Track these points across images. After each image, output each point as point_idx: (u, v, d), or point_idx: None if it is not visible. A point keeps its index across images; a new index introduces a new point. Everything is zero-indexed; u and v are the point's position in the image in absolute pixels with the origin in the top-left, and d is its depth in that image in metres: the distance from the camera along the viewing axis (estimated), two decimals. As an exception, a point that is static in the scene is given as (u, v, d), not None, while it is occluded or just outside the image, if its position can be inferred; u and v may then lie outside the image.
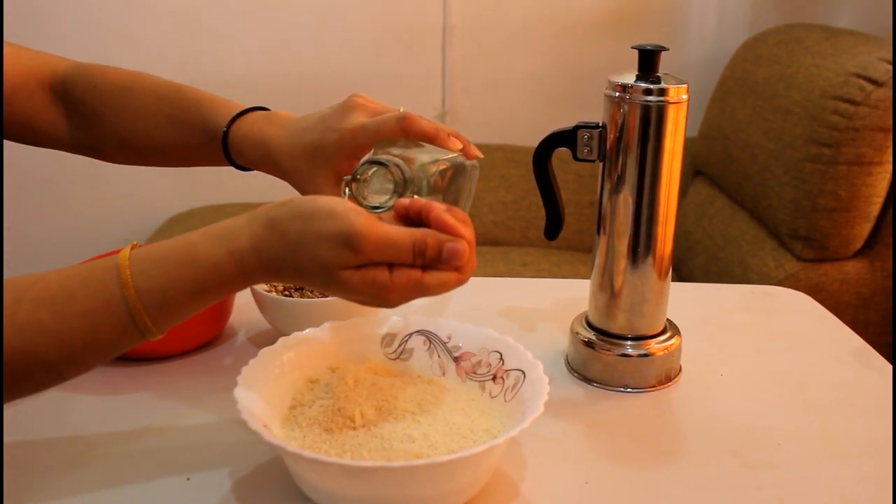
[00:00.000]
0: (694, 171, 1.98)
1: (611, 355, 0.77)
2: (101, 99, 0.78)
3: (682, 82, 0.72)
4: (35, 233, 2.15)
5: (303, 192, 0.71)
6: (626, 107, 0.72)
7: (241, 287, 0.58)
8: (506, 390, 0.66)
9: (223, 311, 0.84)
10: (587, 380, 0.78)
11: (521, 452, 0.67)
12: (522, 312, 0.92)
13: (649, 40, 0.75)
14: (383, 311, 0.74)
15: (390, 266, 0.55)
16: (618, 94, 0.72)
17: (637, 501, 0.62)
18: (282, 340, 0.67)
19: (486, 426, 0.63)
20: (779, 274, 1.54)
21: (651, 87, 0.71)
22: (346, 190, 0.66)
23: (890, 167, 1.45)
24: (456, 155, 0.70)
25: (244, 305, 0.87)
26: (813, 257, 1.52)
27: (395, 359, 0.71)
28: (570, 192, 1.98)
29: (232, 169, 0.77)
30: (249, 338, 0.86)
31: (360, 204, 0.65)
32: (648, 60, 0.73)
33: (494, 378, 0.67)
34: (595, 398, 0.76)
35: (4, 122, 0.78)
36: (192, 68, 2.03)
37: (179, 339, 0.80)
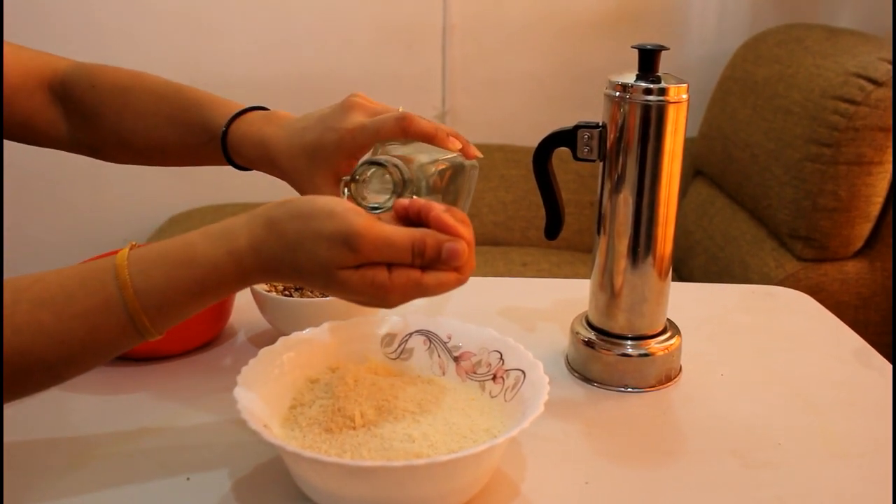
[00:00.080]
0: (694, 171, 1.98)
1: (611, 355, 0.77)
2: (101, 99, 0.78)
3: (683, 82, 0.72)
4: (35, 233, 2.15)
5: (302, 192, 0.71)
6: (626, 106, 0.72)
7: (240, 287, 0.58)
8: (506, 390, 0.66)
9: (223, 311, 0.84)
10: (587, 380, 0.78)
11: (521, 452, 0.67)
12: (522, 312, 0.92)
13: (649, 40, 0.75)
14: (383, 311, 0.74)
15: (389, 266, 0.55)
16: (618, 93, 0.72)
17: (637, 501, 0.62)
18: (282, 340, 0.67)
19: (486, 426, 0.63)
20: (779, 274, 1.54)
21: (651, 86, 0.71)
22: (345, 190, 0.66)
23: (890, 167, 1.45)
24: (455, 155, 0.70)
25: (244, 305, 0.87)
26: (813, 257, 1.52)
27: (395, 358, 0.71)
28: (570, 192, 1.98)
29: (232, 169, 0.77)
30: (249, 338, 0.86)
31: (359, 204, 0.65)
32: (648, 60, 0.73)
33: (494, 378, 0.67)
34: (595, 398, 0.76)
35: (4, 122, 0.78)
36: (192, 68, 2.03)
37: (179, 339, 0.80)
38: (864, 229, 1.50)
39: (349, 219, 0.54)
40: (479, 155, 0.72)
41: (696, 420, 0.73)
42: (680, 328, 0.80)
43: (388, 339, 0.72)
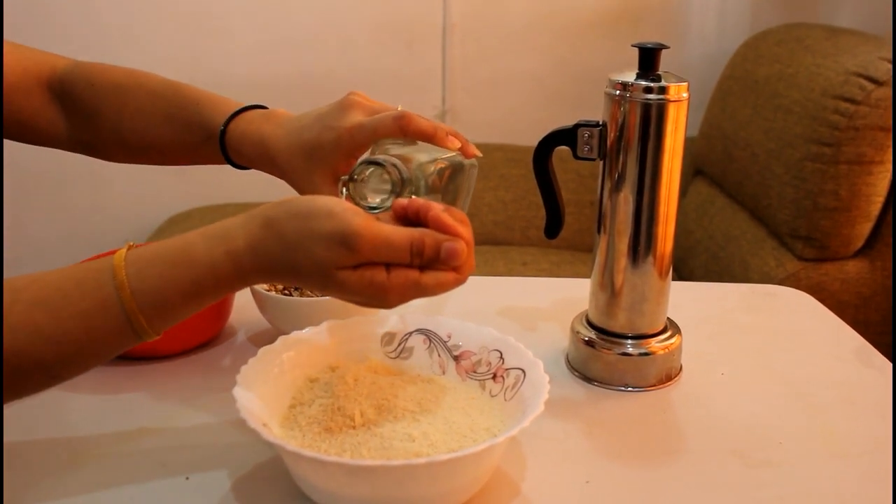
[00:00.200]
0: (694, 170, 1.98)
1: (611, 354, 0.77)
2: (100, 97, 0.78)
3: (683, 80, 0.72)
4: (35, 233, 2.15)
5: (300, 191, 0.71)
6: (626, 105, 0.72)
7: (239, 287, 0.58)
8: (506, 389, 0.65)
9: (222, 310, 0.84)
10: (588, 379, 0.78)
11: (521, 451, 0.67)
12: (522, 311, 0.92)
13: (650, 39, 0.74)
14: (383, 311, 0.74)
15: (388, 266, 0.55)
16: (618, 92, 0.72)
17: (638, 501, 0.62)
18: (281, 339, 0.67)
19: (486, 425, 0.63)
20: (779, 273, 1.54)
21: (651, 85, 0.71)
22: (344, 190, 0.66)
23: (890, 166, 1.45)
24: (454, 154, 0.70)
25: (244, 305, 0.87)
26: (813, 257, 1.52)
27: (394, 358, 0.71)
28: (570, 192, 1.98)
29: (231, 169, 0.76)
30: (249, 337, 0.86)
31: (358, 204, 0.65)
32: (649, 58, 0.72)
33: (494, 377, 0.67)
34: (595, 397, 0.76)
35: (2, 121, 0.78)
36: (193, 67, 2.03)
37: (178, 338, 0.80)
38: (865, 229, 1.50)
39: (348, 218, 0.54)
40: (479, 154, 0.71)
41: (697, 419, 0.73)
42: (680, 327, 0.80)
43: (388, 338, 0.72)
